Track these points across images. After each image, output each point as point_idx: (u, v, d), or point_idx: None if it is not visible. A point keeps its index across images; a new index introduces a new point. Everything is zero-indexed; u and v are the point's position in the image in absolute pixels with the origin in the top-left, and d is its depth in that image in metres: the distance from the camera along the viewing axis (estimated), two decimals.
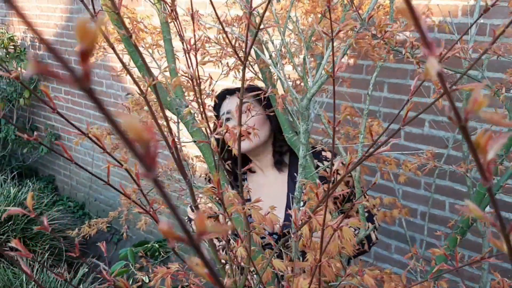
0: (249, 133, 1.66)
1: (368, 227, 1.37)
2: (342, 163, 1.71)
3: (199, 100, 0.75)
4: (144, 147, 0.23)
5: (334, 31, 0.64)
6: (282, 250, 1.15)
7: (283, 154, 1.76)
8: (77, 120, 5.01)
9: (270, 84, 1.67)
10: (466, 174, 1.28)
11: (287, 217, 1.67)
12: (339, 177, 1.72)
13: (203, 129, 0.90)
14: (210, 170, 1.61)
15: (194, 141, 1.59)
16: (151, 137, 0.23)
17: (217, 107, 1.76)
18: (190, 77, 0.71)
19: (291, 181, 1.73)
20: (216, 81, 1.46)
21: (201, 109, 0.76)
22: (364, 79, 2.80)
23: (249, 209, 0.87)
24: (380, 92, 2.73)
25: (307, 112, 1.42)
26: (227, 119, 1.71)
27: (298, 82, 2.09)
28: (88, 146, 4.93)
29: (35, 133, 0.77)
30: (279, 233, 1.62)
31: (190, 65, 0.71)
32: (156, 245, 3.47)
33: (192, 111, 1.15)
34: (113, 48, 0.68)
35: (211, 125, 0.94)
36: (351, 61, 2.79)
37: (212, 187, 0.83)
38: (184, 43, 0.73)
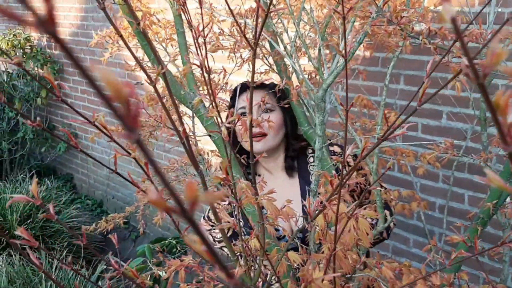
0: (265, 134, 1.65)
1: (386, 218, 1.34)
2: (355, 155, 1.68)
3: (209, 89, 0.73)
4: (124, 104, 0.22)
5: (347, 15, 0.62)
6: (298, 243, 1.13)
7: (294, 160, 1.75)
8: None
9: (285, 76, 1.65)
10: (486, 163, 1.25)
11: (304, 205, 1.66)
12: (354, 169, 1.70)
13: (216, 120, 0.88)
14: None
15: (209, 135, 1.58)
16: (131, 93, 0.21)
17: (232, 101, 1.74)
18: (199, 65, 0.70)
19: (303, 183, 1.71)
20: (230, 74, 1.45)
21: (212, 98, 0.75)
22: (380, 71, 2.76)
23: (262, 200, 0.86)
24: (396, 85, 2.70)
25: (323, 104, 1.40)
26: (243, 114, 1.69)
27: (313, 75, 2.07)
28: (105, 145, 4.95)
29: (38, 119, 0.76)
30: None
31: (199, 53, 0.70)
32: (174, 241, 3.48)
33: (203, 101, 1.14)
34: (121, 36, 0.67)
35: (223, 115, 0.92)
36: (367, 53, 2.76)
37: (225, 178, 0.82)
38: (193, 30, 0.72)
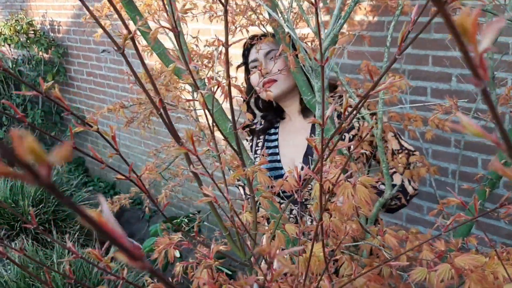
0: (275, 81, 1.65)
1: (394, 186, 1.29)
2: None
3: (182, 54, 0.68)
4: None
5: None
6: (297, 213, 1.09)
7: None
8: (100, 100, 5.00)
9: (285, 44, 1.59)
10: (493, 122, 1.18)
11: (304, 164, 1.67)
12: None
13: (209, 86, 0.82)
14: (225, 137, 1.56)
15: (207, 109, 1.53)
16: None
17: (245, 55, 1.76)
18: (169, 27, 0.65)
19: (314, 129, 1.72)
20: (231, 44, 1.38)
21: (186, 65, 0.69)
22: (386, 36, 2.68)
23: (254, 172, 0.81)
24: None
25: (321, 69, 1.34)
26: (254, 67, 1.69)
27: (316, 42, 2.00)
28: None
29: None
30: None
31: (169, 15, 0.65)
32: (186, 220, 3.46)
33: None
34: (92, 14, 0.62)
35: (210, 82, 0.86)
36: (371, 18, 2.68)
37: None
38: None
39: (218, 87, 0.68)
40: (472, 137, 2.46)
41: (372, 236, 1.01)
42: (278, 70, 1.54)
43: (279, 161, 1.72)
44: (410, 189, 1.63)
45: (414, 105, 1.12)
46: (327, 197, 0.94)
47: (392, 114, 1.83)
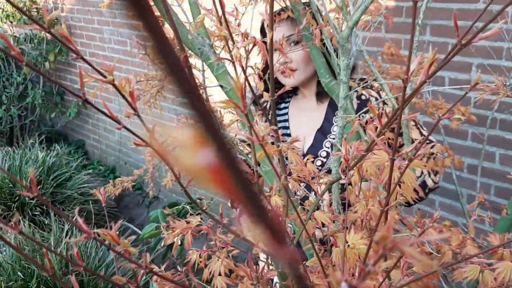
0: (293, 70, 1.58)
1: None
2: (384, 102, 1.52)
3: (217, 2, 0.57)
4: None
5: None
6: (324, 204, 0.99)
7: None
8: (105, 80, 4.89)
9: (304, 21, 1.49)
10: None
11: (316, 139, 1.64)
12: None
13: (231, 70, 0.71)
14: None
15: (220, 86, 1.42)
16: None
17: (263, 31, 1.68)
18: None
19: (330, 109, 1.66)
20: (243, 14, 1.28)
21: (221, 15, 0.58)
22: (404, 22, 2.57)
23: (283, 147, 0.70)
24: (422, 36, 2.50)
25: (348, 45, 1.23)
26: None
27: (336, 21, 1.89)
28: (115, 109, 4.81)
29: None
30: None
31: None
32: (187, 207, 3.36)
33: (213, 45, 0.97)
34: None
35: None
36: (390, 2, 2.57)
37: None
38: None
39: (254, 45, 0.58)
40: (491, 131, 2.36)
41: (408, 228, 0.91)
42: (301, 44, 1.43)
43: (289, 134, 1.69)
44: (429, 182, 1.54)
45: (455, 87, 1.01)
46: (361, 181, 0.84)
47: (415, 100, 1.73)
